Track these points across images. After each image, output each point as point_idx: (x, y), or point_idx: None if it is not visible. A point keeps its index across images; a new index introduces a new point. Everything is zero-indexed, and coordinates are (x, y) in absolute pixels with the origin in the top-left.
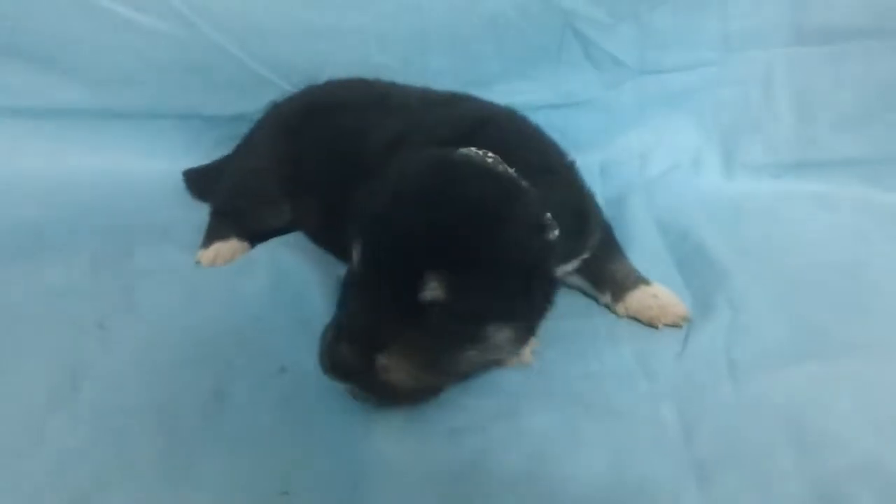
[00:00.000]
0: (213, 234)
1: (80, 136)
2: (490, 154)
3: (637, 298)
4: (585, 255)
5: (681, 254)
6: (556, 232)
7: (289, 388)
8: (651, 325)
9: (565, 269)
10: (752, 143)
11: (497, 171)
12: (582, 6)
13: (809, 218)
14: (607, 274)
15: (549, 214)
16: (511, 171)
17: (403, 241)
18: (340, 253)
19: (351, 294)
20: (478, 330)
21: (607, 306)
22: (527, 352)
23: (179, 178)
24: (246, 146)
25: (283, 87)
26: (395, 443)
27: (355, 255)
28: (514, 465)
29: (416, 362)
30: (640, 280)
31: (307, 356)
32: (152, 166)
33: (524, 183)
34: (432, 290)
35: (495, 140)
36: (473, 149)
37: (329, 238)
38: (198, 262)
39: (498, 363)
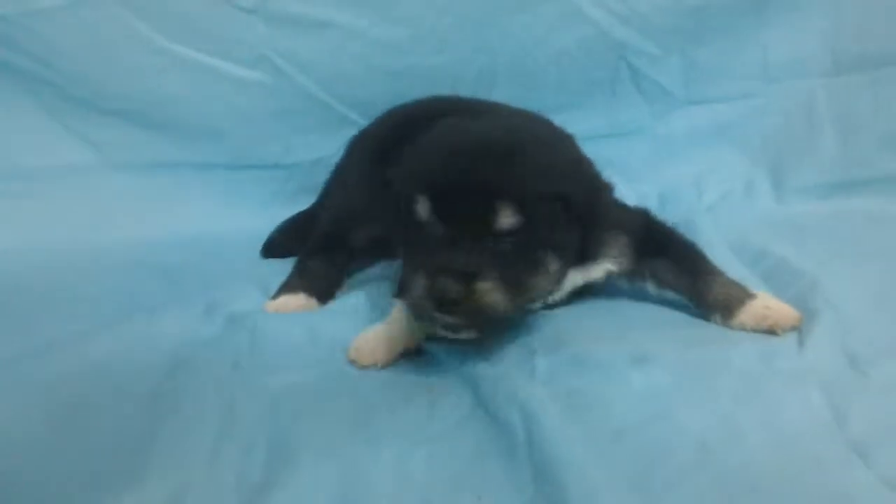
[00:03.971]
0: (285, 287)
1: (167, 191)
2: None
3: (750, 313)
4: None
5: (764, 269)
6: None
7: None
8: (771, 333)
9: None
10: (800, 167)
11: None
12: (635, 39)
13: (865, 230)
14: (711, 296)
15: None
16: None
17: (474, 182)
18: None
19: (421, 243)
20: (542, 257)
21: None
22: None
23: (263, 229)
24: (339, 174)
25: (364, 124)
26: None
27: (421, 207)
28: (684, 458)
29: (503, 285)
30: (746, 293)
31: None
32: (236, 220)
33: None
34: (507, 218)
35: None
36: None
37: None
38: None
39: (545, 295)
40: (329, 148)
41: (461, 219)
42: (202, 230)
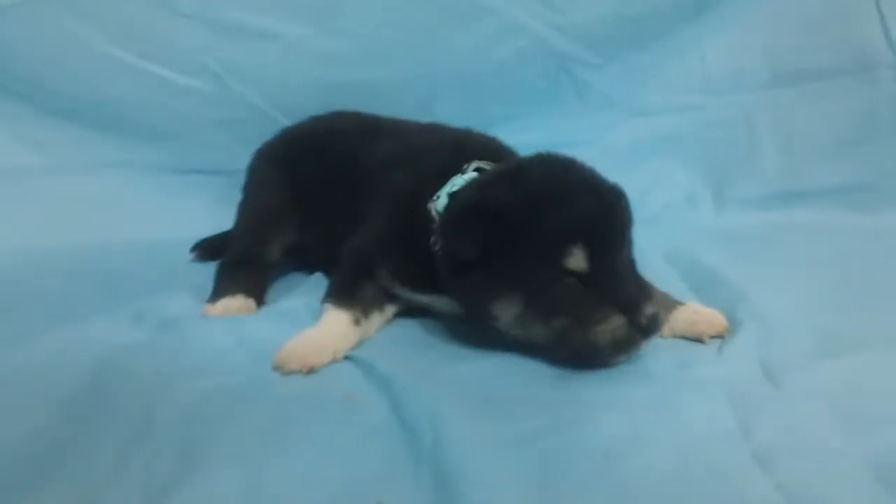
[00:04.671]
0: (222, 290)
1: (111, 194)
2: None
3: (681, 318)
4: None
5: (694, 280)
6: None
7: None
8: (699, 339)
9: None
10: (740, 179)
11: None
12: (575, 51)
13: (802, 241)
14: None
15: None
16: None
17: (616, 226)
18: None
19: (557, 287)
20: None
21: None
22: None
23: (206, 234)
24: (247, 193)
25: None
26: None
27: (575, 258)
28: (588, 465)
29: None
30: (675, 301)
31: None
32: (182, 223)
33: None
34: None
35: (481, 152)
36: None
37: (328, 251)
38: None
39: None
40: None
41: (609, 259)
42: (145, 234)
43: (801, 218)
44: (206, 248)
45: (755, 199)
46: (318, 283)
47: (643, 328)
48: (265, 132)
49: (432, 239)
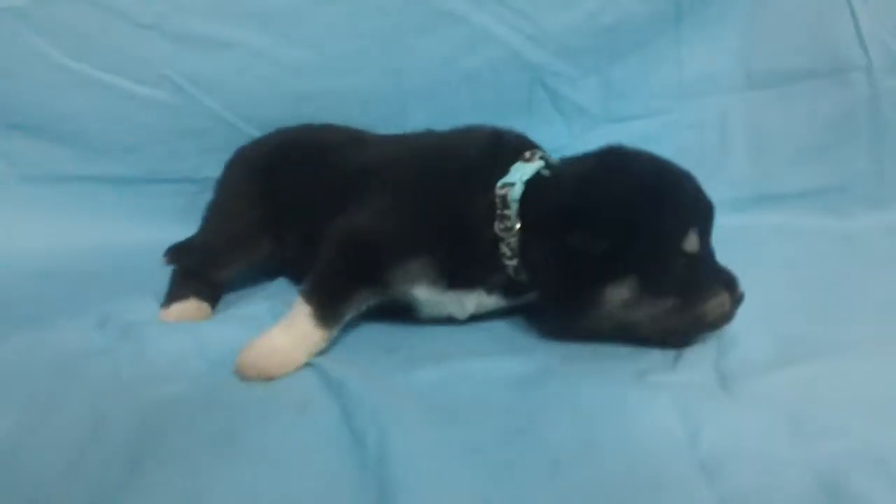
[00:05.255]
0: (174, 294)
1: (78, 202)
2: None
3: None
4: None
5: None
6: None
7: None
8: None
9: None
10: (714, 181)
11: None
12: (548, 60)
13: (772, 244)
14: None
15: None
16: None
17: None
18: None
19: (673, 268)
20: None
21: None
22: None
23: (175, 241)
24: (216, 201)
25: None
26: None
27: (691, 240)
28: (534, 473)
29: None
30: None
31: None
32: (152, 230)
33: None
34: None
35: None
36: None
37: (306, 263)
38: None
39: None
40: None
41: (707, 239)
42: (112, 241)
43: (773, 220)
44: (179, 252)
45: (728, 202)
46: (281, 287)
47: (738, 301)
48: (230, 142)
49: (500, 226)
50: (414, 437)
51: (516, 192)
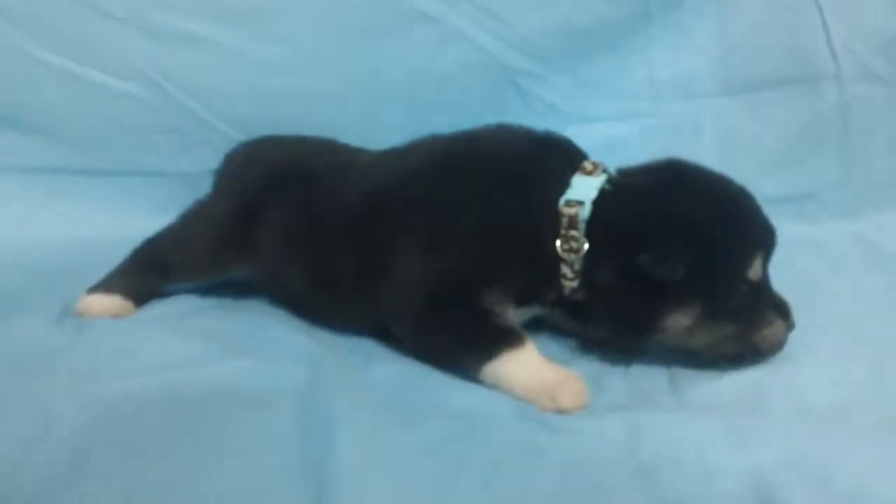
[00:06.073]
0: (104, 283)
1: (50, 194)
2: None
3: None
4: None
5: None
6: None
7: None
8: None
9: None
10: None
11: None
12: (521, 62)
13: None
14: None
15: None
16: None
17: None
18: (326, 312)
19: (735, 294)
20: None
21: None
22: None
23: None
24: (198, 204)
25: None
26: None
27: (756, 266)
28: (464, 478)
29: None
30: None
31: None
32: (124, 223)
33: None
34: None
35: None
36: None
37: (318, 299)
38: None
39: None
40: (215, 162)
41: (767, 265)
42: (83, 234)
43: None
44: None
45: None
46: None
47: (791, 328)
48: (204, 138)
49: (564, 246)
50: (360, 440)
51: (585, 213)
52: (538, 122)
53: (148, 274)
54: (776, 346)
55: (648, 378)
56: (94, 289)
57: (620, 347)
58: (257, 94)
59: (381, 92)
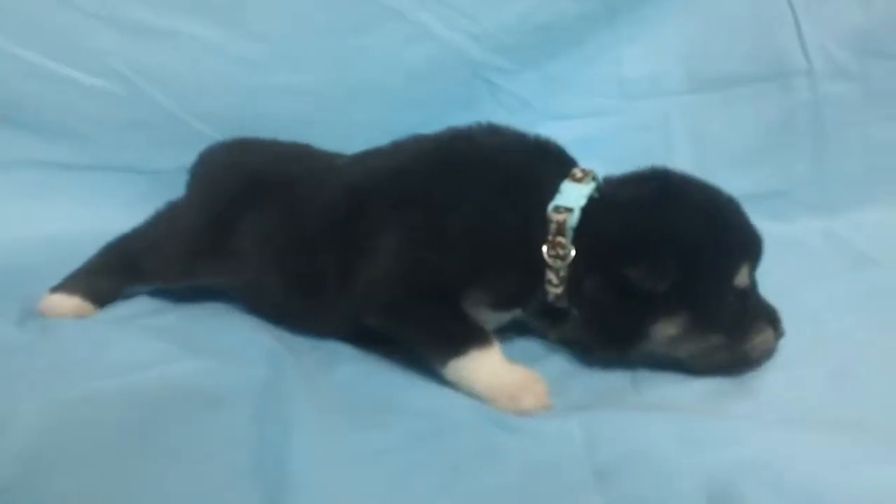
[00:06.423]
0: (67, 283)
1: (23, 190)
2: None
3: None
4: None
5: None
6: None
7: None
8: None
9: None
10: None
11: None
12: (488, 56)
13: None
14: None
15: None
16: None
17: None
18: (309, 317)
19: (723, 303)
20: None
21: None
22: None
23: (126, 230)
24: (169, 207)
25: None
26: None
27: (742, 275)
28: (433, 480)
29: None
30: None
31: None
32: (96, 220)
33: None
34: None
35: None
36: None
37: (299, 305)
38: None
39: None
40: (190, 159)
41: (754, 273)
42: (57, 230)
43: None
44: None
45: None
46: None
47: (781, 335)
48: (179, 135)
49: (551, 252)
50: (319, 439)
51: (574, 220)
52: (508, 118)
53: (114, 276)
54: (766, 355)
55: (612, 379)
56: (57, 289)
57: (605, 356)
58: (231, 91)
59: (353, 89)
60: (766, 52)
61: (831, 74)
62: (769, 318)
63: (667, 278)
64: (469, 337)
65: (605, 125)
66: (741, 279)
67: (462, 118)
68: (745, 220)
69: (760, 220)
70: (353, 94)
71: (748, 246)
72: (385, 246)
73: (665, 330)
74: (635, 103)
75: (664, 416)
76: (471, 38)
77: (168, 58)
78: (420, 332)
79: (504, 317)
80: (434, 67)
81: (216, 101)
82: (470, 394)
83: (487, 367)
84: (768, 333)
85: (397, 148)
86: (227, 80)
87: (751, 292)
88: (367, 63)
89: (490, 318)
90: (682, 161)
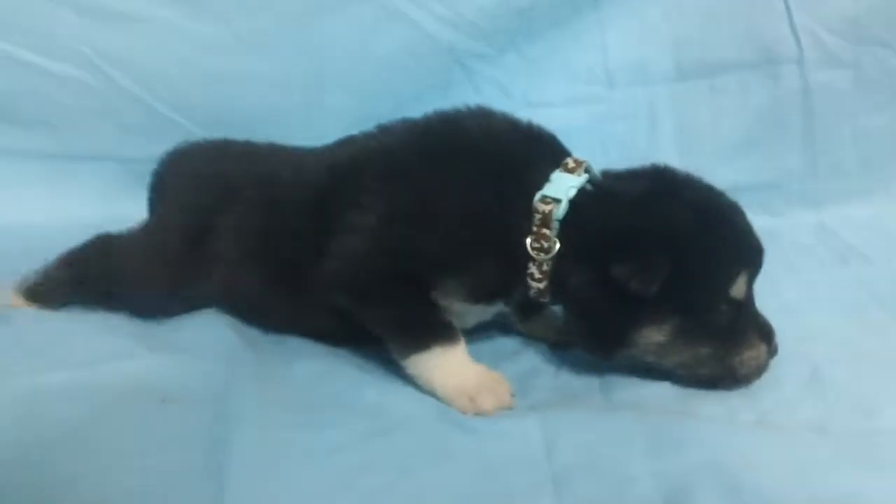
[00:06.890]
0: (29, 289)
1: None
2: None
3: (543, 318)
4: None
5: None
6: None
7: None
8: (558, 342)
9: None
10: None
11: None
12: (464, 41)
13: None
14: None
15: None
16: None
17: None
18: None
19: (740, 314)
20: None
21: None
22: None
23: (96, 219)
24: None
25: (191, 129)
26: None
27: (738, 286)
28: (382, 478)
29: None
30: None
31: None
32: (64, 209)
33: None
34: None
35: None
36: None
37: (279, 306)
38: None
39: None
40: (160, 148)
41: (752, 284)
42: (28, 219)
43: None
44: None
45: None
46: None
47: (774, 353)
48: (146, 121)
49: (535, 244)
50: (268, 437)
51: (561, 212)
52: (486, 103)
53: (81, 289)
54: (756, 372)
55: (579, 379)
56: (19, 289)
57: (592, 356)
58: (197, 77)
59: (323, 75)
60: (756, 39)
61: (822, 62)
62: (763, 334)
63: (656, 280)
64: (434, 331)
65: (588, 113)
66: (738, 289)
67: (438, 106)
68: (747, 228)
69: (748, 213)
70: (322, 80)
71: (748, 254)
72: (364, 222)
73: (652, 336)
74: (619, 91)
75: (628, 417)
76: (446, 21)
77: (132, 41)
78: (386, 317)
79: (486, 311)
80: (409, 52)
81: (182, 87)
82: (429, 392)
83: (448, 365)
84: (760, 349)
85: (384, 130)
86: (191, 64)
87: (746, 304)
88: (336, 49)
89: (470, 312)
90: (668, 151)
